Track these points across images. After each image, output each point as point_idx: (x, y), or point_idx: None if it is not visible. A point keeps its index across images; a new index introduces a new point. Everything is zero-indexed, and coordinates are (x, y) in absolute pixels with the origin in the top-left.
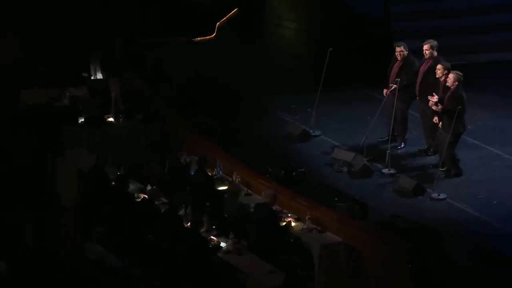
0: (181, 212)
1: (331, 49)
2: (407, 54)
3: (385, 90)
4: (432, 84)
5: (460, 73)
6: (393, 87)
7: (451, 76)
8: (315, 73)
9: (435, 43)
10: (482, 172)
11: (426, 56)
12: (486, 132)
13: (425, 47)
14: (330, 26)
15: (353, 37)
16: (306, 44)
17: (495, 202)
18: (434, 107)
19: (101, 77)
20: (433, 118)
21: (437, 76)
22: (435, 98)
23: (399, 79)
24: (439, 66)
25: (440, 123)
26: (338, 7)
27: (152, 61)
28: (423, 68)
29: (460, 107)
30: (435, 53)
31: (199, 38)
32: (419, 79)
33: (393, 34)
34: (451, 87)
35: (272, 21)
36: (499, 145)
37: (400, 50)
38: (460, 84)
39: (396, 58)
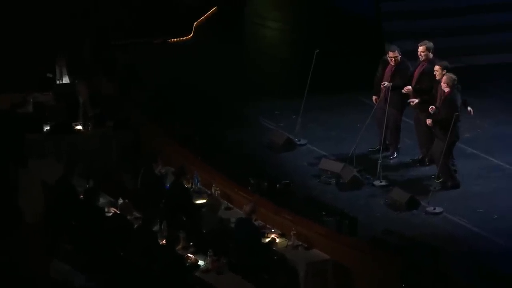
0: (156, 228)
1: (317, 50)
2: (400, 58)
3: (374, 97)
4: (427, 88)
5: (454, 76)
6: (383, 92)
7: (443, 78)
8: (300, 76)
9: (431, 44)
10: (481, 183)
11: (421, 59)
12: (485, 141)
13: (420, 49)
14: (316, 26)
15: (341, 37)
16: (291, 45)
17: (495, 216)
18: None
19: (68, 81)
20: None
21: (437, 78)
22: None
23: (391, 84)
24: (436, 67)
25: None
26: (324, 6)
27: (124, 63)
28: (417, 72)
29: (456, 113)
30: (431, 55)
31: (175, 39)
32: (413, 83)
33: (384, 34)
34: (445, 92)
35: (253, 21)
36: (499, 155)
37: (394, 56)
38: (454, 89)
39: (386, 62)
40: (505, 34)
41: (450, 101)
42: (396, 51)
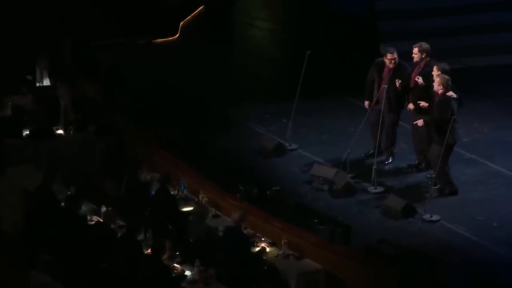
0: (141, 237)
1: (309, 51)
2: (398, 59)
3: (366, 102)
4: (426, 91)
5: (447, 77)
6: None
7: (436, 80)
8: (291, 78)
9: (426, 46)
10: (480, 190)
11: (414, 60)
12: (484, 145)
13: (414, 50)
14: (308, 26)
15: (334, 38)
16: (281, 45)
17: (495, 224)
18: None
19: (49, 84)
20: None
21: (433, 78)
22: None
23: (387, 86)
24: (434, 68)
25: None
26: (316, 5)
27: (107, 65)
28: (415, 74)
29: (453, 117)
30: (427, 58)
31: (160, 40)
32: (410, 86)
33: (379, 34)
34: (439, 93)
35: (242, 20)
36: (499, 160)
37: (393, 58)
38: (447, 89)
39: (380, 65)
40: (506, 34)
41: (443, 102)
42: (395, 53)
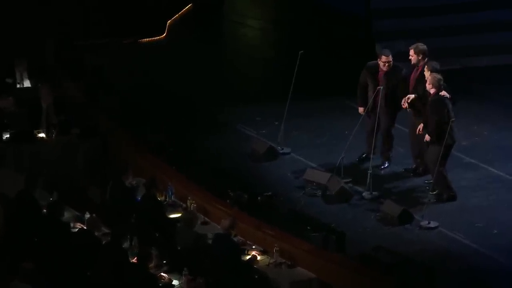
0: (126, 245)
1: (302, 51)
2: (392, 62)
3: (361, 109)
4: (424, 94)
5: (439, 76)
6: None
7: (428, 79)
8: (283, 79)
9: (423, 47)
10: (480, 196)
11: (412, 63)
12: (484, 149)
13: (410, 52)
14: (300, 25)
15: (328, 37)
16: (273, 45)
17: (495, 231)
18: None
19: (30, 85)
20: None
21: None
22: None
23: (383, 88)
24: (425, 68)
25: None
26: (310, 3)
27: (91, 66)
28: (413, 77)
29: (449, 116)
30: (425, 59)
31: (146, 39)
32: (410, 90)
33: (375, 34)
34: (431, 93)
35: (232, 19)
36: (499, 164)
37: (388, 60)
38: (440, 89)
39: (373, 68)
40: (505, 34)
41: (437, 102)
42: (390, 55)
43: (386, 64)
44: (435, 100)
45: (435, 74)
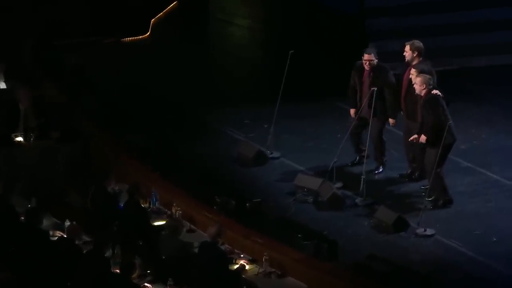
0: (108, 254)
1: (292, 51)
2: (377, 62)
3: (352, 111)
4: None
5: (428, 76)
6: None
7: (417, 80)
8: (273, 80)
9: (419, 44)
10: (478, 202)
11: (406, 60)
12: (482, 153)
13: (406, 48)
14: (290, 24)
15: (319, 37)
16: (262, 45)
17: (494, 239)
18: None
19: (6, 87)
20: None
21: (412, 81)
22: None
23: (375, 89)
24: (412, 71)
25: (421, 139)
26: (300, 1)
27: (71, 66)
28: (406, 77)
29: (449, 122)
30: (419, 57)
31: (129, 38)
32: (403, 91)
33: (368, 33)
34: (422, 94)
35: (219, 17)
36: (498, 169)
37: (369, 59)
38: (431, 88)
39: (361, 68)
40: (504, 33)
41: (431, 101)
42: (372, 54)
43: (367, 63)
44: (429, 99)
45: (423, 75)
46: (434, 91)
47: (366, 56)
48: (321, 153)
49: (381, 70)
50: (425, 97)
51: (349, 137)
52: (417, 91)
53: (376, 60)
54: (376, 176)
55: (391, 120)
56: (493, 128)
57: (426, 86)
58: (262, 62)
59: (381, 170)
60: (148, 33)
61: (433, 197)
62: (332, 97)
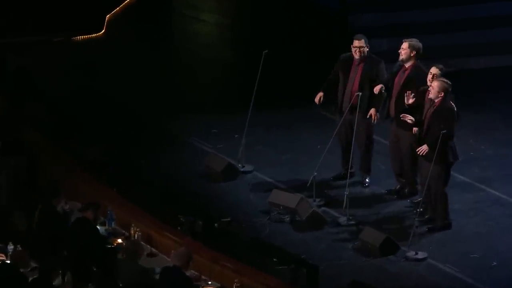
0: (57, 282)
1: (266, 51)
2: (368, 52)
3: (319, 94)
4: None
5: (448, 81)
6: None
7: (434, 84)
8: (244, 85)
9: (418, 44)
10: (476, 221)
11: (400, 58)
12: (481, 167)
13: (403, 45)
14: (264, 20)
15: (296, 35)
16: (232, 44)
17: (494, 263)
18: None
19: None
20: (414, 147)
21: (429, 84)
22: (410, 100)
23: (360, 94)
24: (433, 69)
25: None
26: None
27: (14, 69)
28: (399, 80)
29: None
30: (415, 58)
31: (81, 37)
32: (394, 94)
33: (352, 31)
34: (435, 101)
35: (183, 12)
36: (499, 185)
37: (360, 45)
38: (448, 97)
39: (350, 60)
40: (506, 30)
41: (447, 111)
42: (363, 40)
43: (357, 50)
44: (446, 108)
45: (443, 79)
46: (450, 103)
47: (356, 43)
48: (298, 166)
49: (373, 61)
50: (439, 105)
51: (337, 141)
52: (432, 96)
53: (367, 49)
54: (364, 190)
55: (373, 111)
56: (493, 138)
57: (444, 93)
58: (232, 63)
59: (367, 185)
60: (103, 31)
61: (427, 216)
62: (311, 103)
